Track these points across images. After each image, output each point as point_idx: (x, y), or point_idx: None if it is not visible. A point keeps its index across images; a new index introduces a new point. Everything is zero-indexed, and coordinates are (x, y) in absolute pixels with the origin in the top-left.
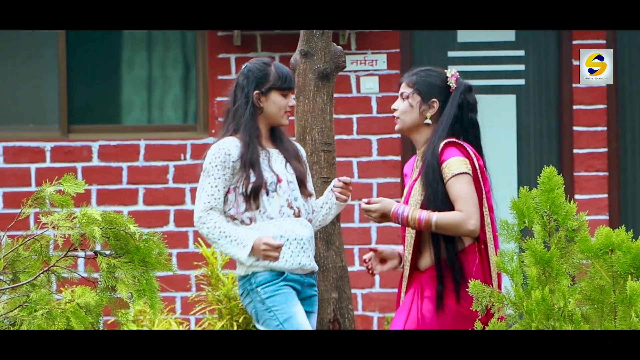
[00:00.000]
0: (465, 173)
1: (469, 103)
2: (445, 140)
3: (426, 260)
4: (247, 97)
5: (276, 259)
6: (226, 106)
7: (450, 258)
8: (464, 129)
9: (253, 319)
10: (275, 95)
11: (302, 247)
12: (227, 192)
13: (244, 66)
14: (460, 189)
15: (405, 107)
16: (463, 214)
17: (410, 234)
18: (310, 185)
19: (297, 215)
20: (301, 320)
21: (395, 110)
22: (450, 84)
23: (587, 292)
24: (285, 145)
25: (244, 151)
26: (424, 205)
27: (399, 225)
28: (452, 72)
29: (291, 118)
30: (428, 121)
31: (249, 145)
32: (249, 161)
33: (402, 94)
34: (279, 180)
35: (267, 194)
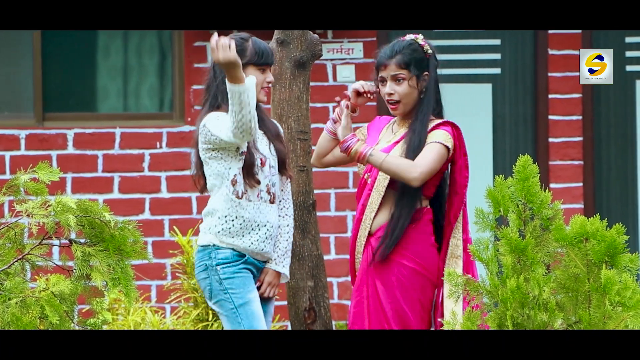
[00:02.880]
0: (443, 144)
1: (438, 61)
2: (443, 120)
3: (379, 220)
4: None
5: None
6: (206, 82)
7: (399, 218)
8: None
9: (205, 294)
10: (252, 70)
11: (270, 235)
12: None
13: None
14: (429, 151)
15: (406, 90)
16: (414, 162)
17: (378, 192)
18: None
19: (272, 201)
20: (255, 307)
21: (392, 94)
22: (427, 51)
23: (562, 280)
24: (267, 125)
25: None
26: None
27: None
28: (420, 38)
29: (267, 106)
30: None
31: None
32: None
33: (395, 77)
34: (262, 164)
35: None
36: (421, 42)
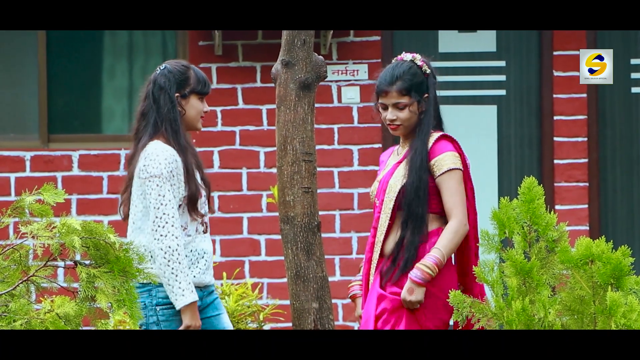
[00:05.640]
0: (458, 169)
1: (436, 77)
2: (440, 134)
3: (390, 243)
4: (171, 99)
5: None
6: (144, 107)
7: (413, 243)
8: (437, 100)
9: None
10: (194, 99)
11: (209, 265)
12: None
13: (162, 66)
14: (453, 186)
15: (408, 115)
16: (457, 220)
17: (385, 214)
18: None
19: (205, 231)
20: None
21: (394, 119)
22: (425, 71)
23: (568, 302)
24: (197, 157)
25: (184, 158)
26: (403, 189)
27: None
28: (418, 58)
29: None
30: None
31: (187, 151)
32: (192, 169)
33: (397, 105)
34: (199, 195)
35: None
36: (419, 62)
